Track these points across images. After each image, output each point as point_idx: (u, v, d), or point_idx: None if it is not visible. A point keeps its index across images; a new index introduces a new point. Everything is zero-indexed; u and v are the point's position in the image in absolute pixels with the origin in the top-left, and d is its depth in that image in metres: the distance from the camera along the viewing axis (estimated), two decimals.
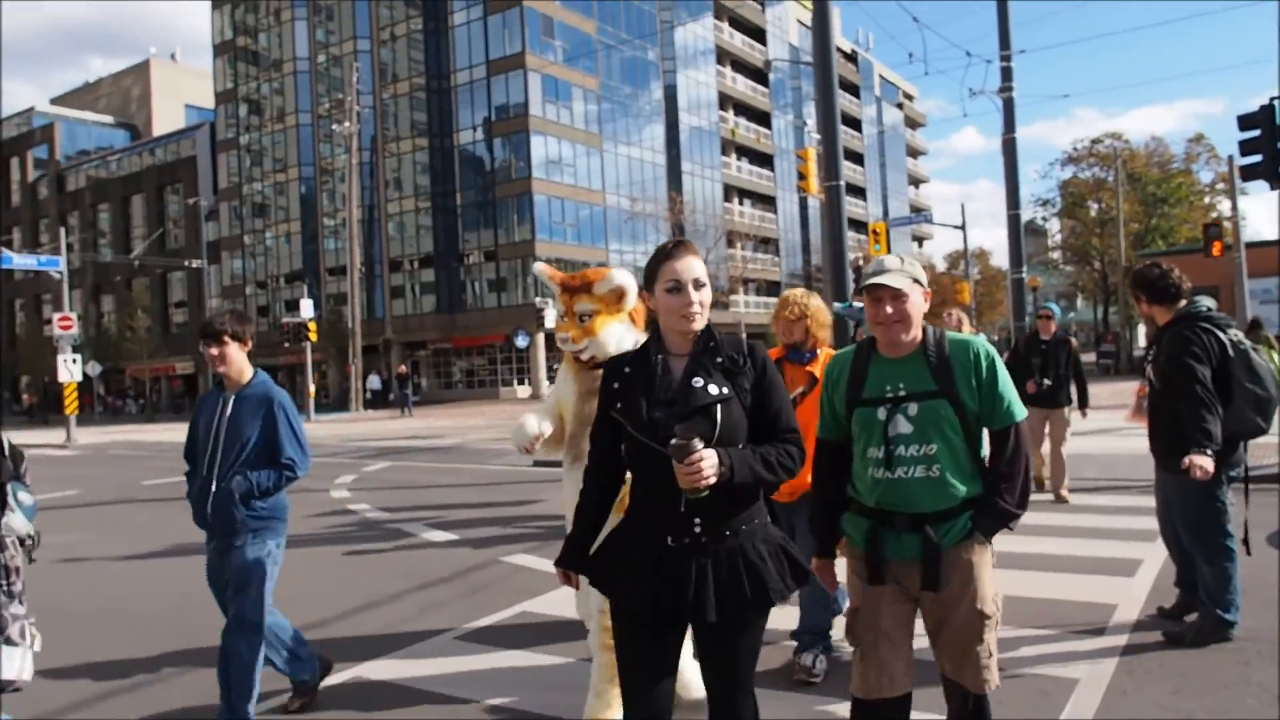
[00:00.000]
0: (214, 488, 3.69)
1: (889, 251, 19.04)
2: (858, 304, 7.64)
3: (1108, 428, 12.82)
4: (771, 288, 58.79)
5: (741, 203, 57.55)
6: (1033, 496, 8.42)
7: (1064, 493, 8.29)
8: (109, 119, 63.71)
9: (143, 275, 51.00)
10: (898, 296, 2.57)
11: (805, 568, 2.41)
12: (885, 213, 71.62)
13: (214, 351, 3.73)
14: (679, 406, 2.28)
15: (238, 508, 3.67)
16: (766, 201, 60.27)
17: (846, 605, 2.82)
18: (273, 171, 48.48)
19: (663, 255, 2.39)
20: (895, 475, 2.55)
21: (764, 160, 60.40)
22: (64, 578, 7.18)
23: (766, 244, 58.00)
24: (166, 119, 62.04)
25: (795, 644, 4.22)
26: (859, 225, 58.71)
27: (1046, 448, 8.35)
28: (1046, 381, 8.24)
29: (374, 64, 44.80)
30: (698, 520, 2.25)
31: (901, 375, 2.60)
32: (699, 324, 2.36)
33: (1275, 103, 10.74)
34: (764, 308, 55.73)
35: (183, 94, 63.63)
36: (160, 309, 52.04)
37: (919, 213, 73.27)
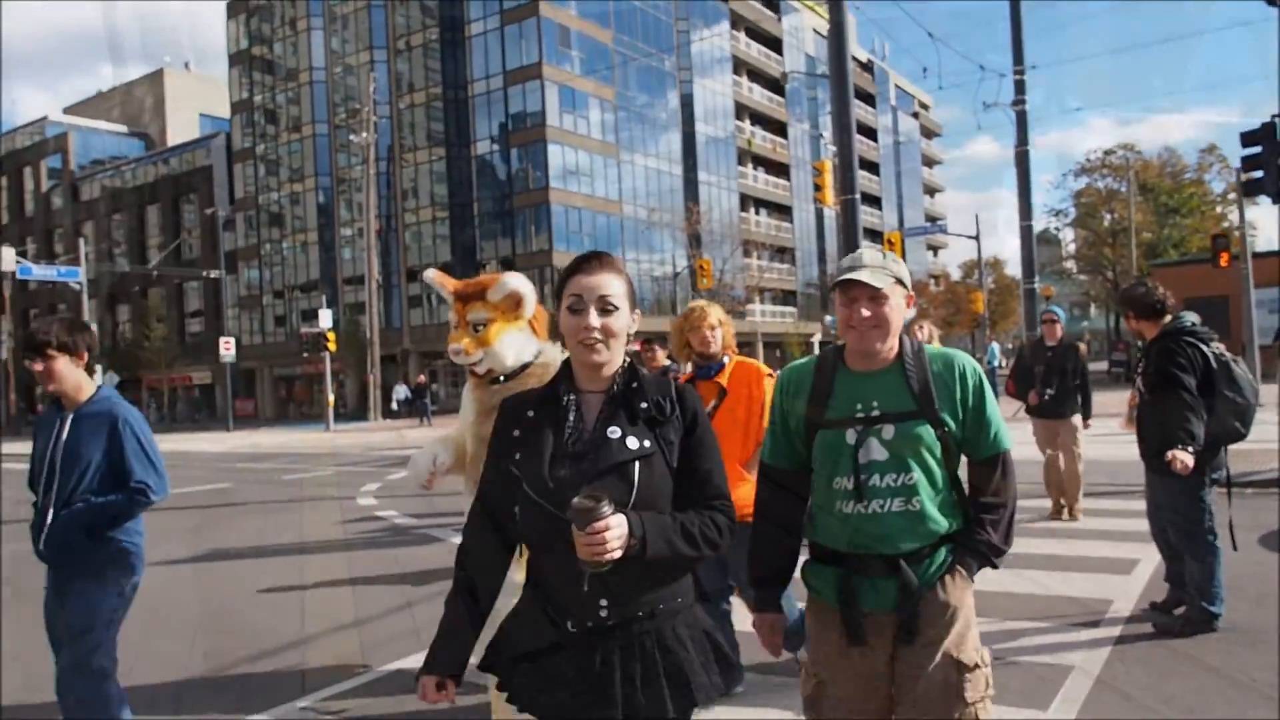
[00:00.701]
0: (49, 518, 3.22)
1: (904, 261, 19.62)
2: None
3: (1116, 434, 12.88)
4: (788, 297, 58.77)
5: (758, 212, 57.50)
6: (1043, 500, 7.96)
7: (1078, 509, 7.75)
8: (123, 128, 63.93)
9: (158, 285, 51.12)
10: (875, 297, 2.15)
11: (734, 662, 2.01)
12: (900, 221, 71.59)
13: (38, 367, 3.23)
14: (589, 463, 1.87)
15: (80, 538, 3.21)
16: (783, 211, 60.25)
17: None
18: (289, 181, 48.48)
19: (572, 267, 1.95)
20: (869, 510, 2.14)
21: (780, 170, 60.37)
22: None
23: (783, 253, 57.94)
24: (180, 128, 62.20)
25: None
26: (874, 234, 58.58)
27: (1058, 461, 7.73)
28: (1049, 392, 7.61)
29: (390, 74, 44.77)
30: (604, 601, 1.85)
31: (875, 392, 2.19)
32: (601, 356, 1.92)
33: (1277, 120, 11.01)
34: (780, 317, 55.61)
35: (197, 103, 63.73)
36: (176, 319, 52.10)
37: (934, 222, 73.06)
